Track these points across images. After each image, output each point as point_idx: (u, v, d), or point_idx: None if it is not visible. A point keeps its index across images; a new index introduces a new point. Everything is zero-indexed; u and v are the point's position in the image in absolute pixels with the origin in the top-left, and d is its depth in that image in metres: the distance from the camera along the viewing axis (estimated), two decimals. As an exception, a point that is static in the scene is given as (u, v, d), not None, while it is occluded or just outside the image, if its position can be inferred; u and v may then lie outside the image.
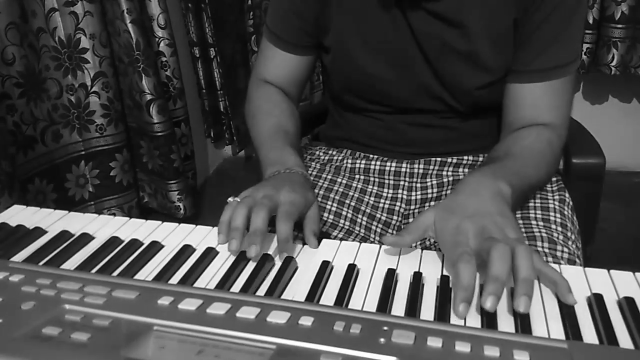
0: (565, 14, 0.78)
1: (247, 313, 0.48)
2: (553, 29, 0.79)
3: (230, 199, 0.68)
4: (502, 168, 0.72)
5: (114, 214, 1.75)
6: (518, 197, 0.71)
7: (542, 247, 0.74)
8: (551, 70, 0.80)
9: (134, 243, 0.66)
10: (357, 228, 0.88)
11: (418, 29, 0.81)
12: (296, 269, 0.62)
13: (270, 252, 0.64)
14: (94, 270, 0.61)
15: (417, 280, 0.58)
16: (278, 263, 0.62)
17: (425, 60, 0.83)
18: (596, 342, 0.49)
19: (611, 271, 0.59)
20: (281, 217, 0.65)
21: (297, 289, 0.57)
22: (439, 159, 0.92)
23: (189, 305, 0.50)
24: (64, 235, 0.68)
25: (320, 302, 0.55)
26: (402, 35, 0.83)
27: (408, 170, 0.92)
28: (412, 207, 0.90)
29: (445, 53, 0.82)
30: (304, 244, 0.67)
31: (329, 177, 0.93)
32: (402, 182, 0.92)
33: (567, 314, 0.52)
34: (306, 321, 0.47)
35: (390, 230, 0.90)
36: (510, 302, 0.55)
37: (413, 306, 0.54)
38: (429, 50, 0.82)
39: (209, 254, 0.63)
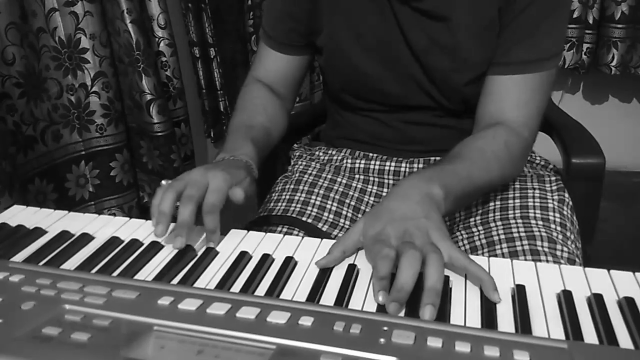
0: (546, 7, 0.77)
1: (247, 313, 0.48)
2: (532, 21, 0.77)
3: (163, 182, 0.69)
4: (440, 171, 0.71)
5: (114, 214, 1.75)
6: (457, 199, 0.70)
7: (542, 246, 0.74)
8: (525, 63, 0.78)
9: (134, 243, 0.66)
10: (357, 228, 0.88)
11: (405, 25, 0.82)
12: (295, 266, 0.62)
13: (269, 251, 0.64)
14: (94, 270, 0.61)
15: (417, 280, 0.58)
16: (278, 263, 0.62)
17: (414, 56, 0.84)
18: (596, 342, 0.49)
19: (611, 271, 0.59)
20: (206, 210, 0.65)
21: (297, 289, 0.57)
22: (438, 158, 0.92)
23: (189, 305, 0.50)
24: (64, 235, 0.68)
25: (320, 302, 0.55)
26: (392, 32, 0.83)
27: (407, 170, 0.92)
28: (412, 207, 0.90)
29: (432, 49, 0.82)
30: (303, 235, 0.67)
31: (329, 177, 0.93)
32: (402, 182, 0.92)
33: (567, 314, 0.52)
34: (306, 321, 0.47)
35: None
36: (510, 301, 0.55)
37: (413, 306, 0.54)
38: (416, 46, 0.83)
39: (209, 254, 0.63)
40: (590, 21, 1.92)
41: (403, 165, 0.92)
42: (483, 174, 0.75)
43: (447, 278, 0.58)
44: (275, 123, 0.90)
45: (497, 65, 0.80)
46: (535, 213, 0.80)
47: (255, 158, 0.78)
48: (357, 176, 0.94)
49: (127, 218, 0.72)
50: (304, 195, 0.89)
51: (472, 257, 0.62)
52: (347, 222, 0.87)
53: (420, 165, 0.92)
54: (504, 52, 0.80)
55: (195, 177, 0.68)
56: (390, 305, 0.52)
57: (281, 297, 0.56)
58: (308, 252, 0.64)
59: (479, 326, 0.51)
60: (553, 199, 0.84)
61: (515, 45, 0.78)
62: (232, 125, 0.87)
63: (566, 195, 0.86)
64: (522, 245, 0.74)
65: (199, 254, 0.64)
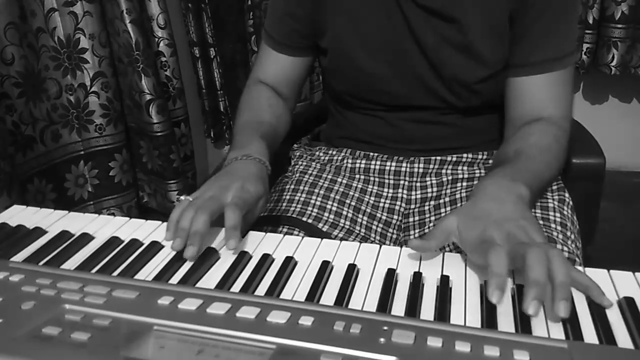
0: (561, 5, 0.79)
1: (247, 313, 0.48)
2: (550, 21, 0.79)
3: (182, 198, 0.70)
4: (517, 170, 0.72)
5: (113, 214, 1.75)
6: (535, 197, 0.72)
7: (542, 246, 0.74)
8: (551, 61, 0.81)
9: (134, 243, 0.66)
10: (358, 228, 0.88)
11: (415, 23, 0.82)
12: (295, 266, 0.62)
13: (269, 251, 0.64)
14: (94, 270, 0.61)
15: (417, 280, 0.58)
16: (278, 263, 0.62)
17: (423, 55, 0.84)
18: (596, 342, 0.49)
19: (611, 271, 0.59)
20: (229, 206, 0.66)
21: (297, 289, 0.57)
22: (438, 157, 0.92)
23: (189, 305, 0.50)
24: (64, 235, 0.68)
25: (320, 302, 0.55)
26: (400, 31, 0.83)
27: (408, 169, 0.92)
28: (412, 206, 0.91)
29: (442, 46, 0.83)
30: (303, 235, 0.67)
31: (329, 177, 0.93)
32: (402, 182, 0.92)
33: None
34: (306, 321, 0.47)
35: (390, 230, 0.90)
36: (510, 301, 0.55)
37: (413, 306, 0.54)
38: (426, 44, 0.83)
39: (209, 254, 0.63)
40: (590, 21, 1.92)
41: (404, 165, 0.92)
42: (546, 169, 0.77)
43: (447, 278, 0.58)
44: (280, 121, 0.91)
45: (523, 67, 0.82)
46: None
47: (267, 154, 0.79)
48: (357, 176, 0.94)
49: (127, 218, 0.72)
50: (304, 195, 0.89)
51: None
52: (347, 222, 0.87)
53: (421, 165, 0.92)
54: (528, 54, 0.81)
55: (213, 194, 0.69)
56: (531, 304, 0.50)
57: (281, 297, 0.56)
58: (308, 252, 0.64)
59: (479, 326, 0.51)
60: (553, 199, 0.84)
61: (539, 47, 0.81)
62: (240, 123, 0.87)
63: (566, 195, 0.86)
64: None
65: (199, 254, 0.64)
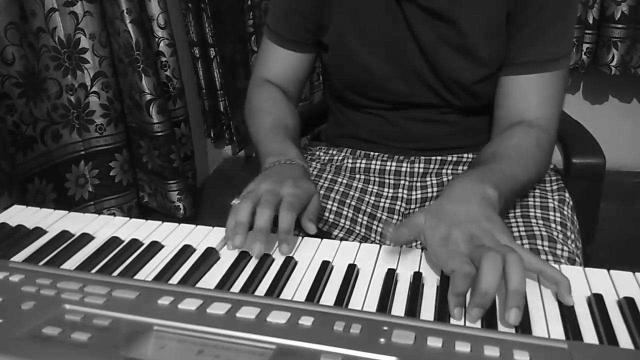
0: (558, 7, 0.79)
1: (247, 313, 0.48)
2: (545, 22, 0.79)
3: (234, 202, 0.68)
4: (489, 171, 0.71)
5: (114, 214, 1.75)
6: (507, 199, 0.70)
7: (542, 245, 0.74)
8: (542, 63, 0.80)
9: (134, 243, 0.66)
10: (358, 228, 0.88)
11: (414, 22, 0.82)
12: (295, 266, 0.62)
13: (270, 251, 0.64)
14: (94, 270, 0.61)
15: (417, 280, 0.58)
16: (278, 263, 0.62)
17: (422, 54, 0.84)
18: (596, 342, 0.49)
19: (611, 271, 0.59)
20: (284, 207, 0.65)
21: (297, 289, 0.57)
22: (439, 157, 0.92)
23: (189, 305, 0.50)
24: (64, 235, 0.68)
25: (320, 302, 0.55)
26: (400, 29, 0.83)
27: (408, 169, 0.92)
28: (413, 206, 0.91)
29: (440, 46, 0.83)
30: (303, 235, 0.67)
31: (330, 176, 0.93)
32: (402, 182, 0.92)
33: (567, 314, 0.52)
34: (306, 321, 0.47)
35: (390, 230, 0.90)
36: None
37: (413, 306, 0.54)
38: (425, 43, 0.83)
39: (209, 254, 0.63)
40: (590, 21, 1.92)
41: (404, 165, 0.92)
42: (523, 172, 0.75)
43: (447, 278, 0.58)
44: (298, 125, 0.91)
45: (514, 66, 0.82)
46: (535, 212, 0.80)
47: (304, 159, 0.79)
48: (357, 176, 0.94)
49: (127, 218, 0.72)
50: (304, 195, 0.89)
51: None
52: (347, 222, 0.87)
53: (421, 165, 0.92)
54: (519, 53, 0.81)
55: (269, 187, 0.68)
56: (474, 310, 0.51)
57: (281, 297, 0.56)
58: (308, 252, 0.64)
59: (479, 326, 0.51)
60: (553, 199, 0.84)
61: (531, 47, 0.80)
62: (266, 127, 0.87)
63: (566, 195, 0.86)
64: (522, 244, 0.74)
65: (199, 254, 0.64)
